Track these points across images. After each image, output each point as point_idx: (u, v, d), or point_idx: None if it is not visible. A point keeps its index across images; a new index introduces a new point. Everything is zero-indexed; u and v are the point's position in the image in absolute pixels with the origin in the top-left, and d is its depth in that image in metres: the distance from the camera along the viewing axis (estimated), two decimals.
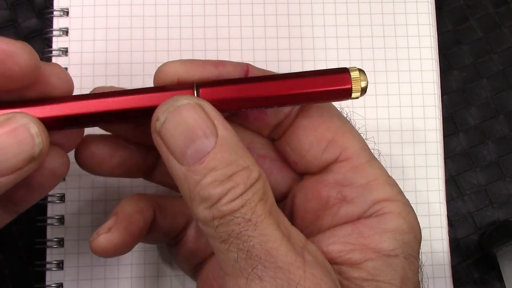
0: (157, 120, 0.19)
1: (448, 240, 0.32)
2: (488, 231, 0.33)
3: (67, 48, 0.32)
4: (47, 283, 0.30)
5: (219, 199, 0.18)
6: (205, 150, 0.18)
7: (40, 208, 0.30)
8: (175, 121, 0.18)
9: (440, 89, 0.33)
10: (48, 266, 0.30)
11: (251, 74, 0.22)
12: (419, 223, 0.21)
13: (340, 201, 0.21)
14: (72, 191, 0.30)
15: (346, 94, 0.20)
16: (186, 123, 0.18)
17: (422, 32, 0.34)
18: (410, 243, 0.20)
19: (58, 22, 0.32)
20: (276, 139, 0.23)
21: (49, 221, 0.30)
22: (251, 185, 0.18)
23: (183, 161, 0.18)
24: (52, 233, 0.30)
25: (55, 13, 0.32)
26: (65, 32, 0.32)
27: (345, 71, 0.20)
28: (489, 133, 0.34)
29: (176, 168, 0.18)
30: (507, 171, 0.34)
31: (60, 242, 0.30)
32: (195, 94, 0.20)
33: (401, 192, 0.22)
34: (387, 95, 0.33)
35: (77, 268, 0.30)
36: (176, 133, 0.18)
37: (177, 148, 0.18)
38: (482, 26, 0.35)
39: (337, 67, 0.21)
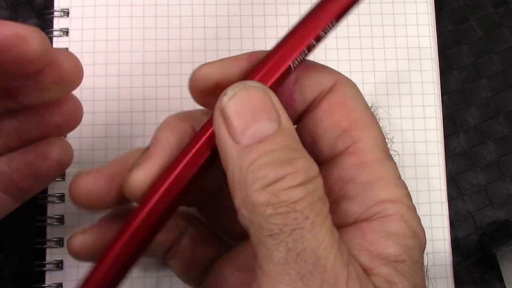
0: (225, 95, 0.18)
1: (450, 240, 0.32)
2: (488, 231, 0.33)
3: (67, 48, 0.32)
4: (46, 283, 0.30)
5: (276, 180, 0.16)
6: (267, 132, 0.17)
7: (40, 208, 0.30)
8: (243, 97, 0.18)
9: (440, 89, 0.33)
10: (47, 266, 0.30)
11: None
12: (423, 229, 0.20)
13: (341, 198, 0.20)
14: None
15: None
16: (254, 102, 0.18)
17: (421, 32, 0.34)
18: (415, 248, 0.19)
19: (58, 23, 0.32)
20: (297, 123, 0.22)
21: (49, 221, 0.30)
22: (312, 178, 0.17)
23: (241, 139, 0.17)
24: (52, 233, 0.30)
25: (55, 13, 0.32)
26: (66, 32, 0.32)
27: None
28: (489, 133, 0.34)
29: (231, 147, 0.17)
30: (507, 171, 0.33)
31: (60, 242, 0.30)
32: None
33: (408, 196, 0.20)
34: (387, 95, 0.33)
35: (76, 268, 0.30)
36: (241, 109, 0.17)
37: (237, 126, 0.17)
38: (482, 26, 0.35)
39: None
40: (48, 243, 0.30)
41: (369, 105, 0.21)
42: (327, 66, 0.21)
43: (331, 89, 0.21)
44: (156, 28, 0.32)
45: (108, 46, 0.32)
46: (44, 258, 0.30)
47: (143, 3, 0.32)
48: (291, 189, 0.16)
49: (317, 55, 0.33)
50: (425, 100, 0.33)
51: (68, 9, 0.32)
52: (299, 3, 0.33)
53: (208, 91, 0.20)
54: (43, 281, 0.30)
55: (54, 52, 0.20)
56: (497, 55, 0.35)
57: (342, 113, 0.20)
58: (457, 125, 0.34)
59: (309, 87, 0.21)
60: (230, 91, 0.18)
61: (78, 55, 0.31)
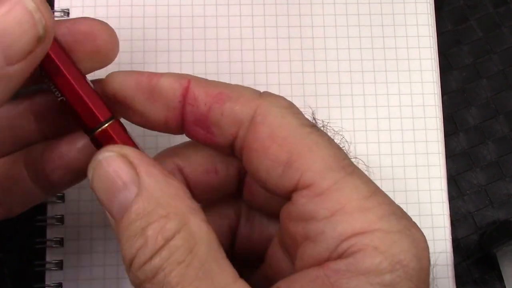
0: (88, 178, 0.18)
1: (451, 240, 0.32)
2: (488, 231, 0.32)
3: None
4: (46, 283, 0.30)
5: (131, 260, 0.16)
6: (127, 201, 0.17)
7: (40, 208, 0.30)
8: (98, 176, 0.18)
9: (440, 88, 0.33)
10: (47, 266, 0.30)
11: (190, 93, 0.19)
12: (423, 247, 0.17)
13: (304, 239, 0.17)
14: (72, 191, 0.30)
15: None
16: (107, 176, 0.17)
17: (421, 32, 0.34)
18: (395, 284, 0.15)
19: None
20: (231, 154, 0.20)
21: (49, 221, 0.30)
22: (166, 241, 0.16)
23: (112, 215, 0.17)
24: (51, 233, 0.30)
25: (55, 13, 0.32)
26: None
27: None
28: (489, 133, 0.34)
29: (111, 222, 0.18)
30: (507, 171, 0.33)
31: (60, 242, 0.30)
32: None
33: (386, 215, 0.16)
34: (387, 94, 0.33)
35: (76, 268, 0.30)
36: (101, 188, 0.18)
37: (105, 204, 0.18)
38: (482, 26, 0.35)
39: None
40: (48, 243, 0.30)
41: (310, 117, 0.19)
42: (246, 91, 0.19)
43: (252, 122, 0.18)
44: (156, 28, 0.32)
45: None
46: (44, 258, 0.30)
47: (143, 4, 0.32)
48: (143, 266, 0.16)
49: (317, 55, 0.33)
50: (425, 100, 0.33)
51: (68, 10, 0.32)
52: (299, 4, 0.33)
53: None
54: (43, 281, 0.30)
55: (89, 22, 0.20)
56: (497, 55, 0.35)
57: (276, 148, 0.18)
58: (457, 125, 0.34)
59: (225, 121, 0.19)
60: (89, 173, 0.18)
61: None
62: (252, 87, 0.32)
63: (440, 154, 0.32)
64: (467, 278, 0.32)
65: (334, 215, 0.16)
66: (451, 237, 0.32)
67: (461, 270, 0.32)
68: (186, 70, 0.32)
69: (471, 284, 0.32)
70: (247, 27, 0.33)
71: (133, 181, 0.17)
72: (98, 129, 0.19)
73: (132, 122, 0.21)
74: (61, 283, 0.30)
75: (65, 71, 0.19)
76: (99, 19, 0.31)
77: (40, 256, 0.30)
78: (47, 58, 0.18)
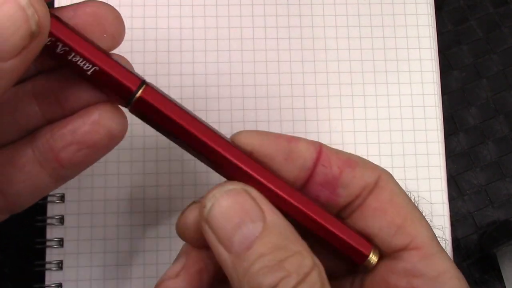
0: (204, 207, 0.18)
1: (451, 240, 0.32)
2: (488, 231, 0.33)
3: None
4: (46, 283, 0.30)
5: None
6: (253, 235, 0.17)
7: (40, 208, 0.30)
8: (221, 207, 0.18)
9: (440, 89, 0.33)
10: (47, 266, 0.30)
11: (324, 155, 0.21)
12: None
13: None
14: (72, 191, 0.30)
15: (358, 257, 0.20)
16: (232, 208, 0.18)
17: (421, 33, 0.34)
18: None
19: None
20: (344, 218, 0.22)
21: (48, 221, 0.30)
22: (305, 276, 0.17)
23: (231, 248, 0.18)
24: (51, 233, 0.30)
25: None
26: None
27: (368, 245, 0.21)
28: (489, 133, 0.34)
29: (224, 256, 0.18)
30: (507, 171, 0.34)
31: (60, 242, 0.30)
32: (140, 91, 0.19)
33: (466, 285, 0.21)
34: (387, 95, 0.33)
35: (76, 268, 0.30)
36: (222, 219, 0.18)
37: (224, 235, 0.18)
38: (482, 26, 0.35)
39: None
40: (48, 243, 0.30)
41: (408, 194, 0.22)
42: (368, 161, 0.22)
43: (376, 186, 0.21)
44: (156, 28, 0.32)
45: None
46: (44, 258, 0.30)
47: (144, 4, 0.32)
48: None
49: (317, 56, 0.33)
50: (426, 100, 0.33)
51: None
52: (299, 4, 0.33)
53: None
54: (43, 281, 0.30)
55: (95, 4, 0.20)
56: (497, 55, 0.35)
57: (393, 211, 0.21)
58: (457, 125, 0.34)
59: (353, 183, 0.21)
60: (208, 202, 0.18)
61: None
62: (252, 87, 0.32)
63: (440, 155, 0.32)
64: (467, 278, 0.32)
65: (440, 276, 0.20)
66: (451, 238, 0.32)
67: (461, 270, 0.32)
68: (186, 70, 0.32)
69: (471, 284, 0.33)
70: (248, 27, 0.33)
71: (259, 216, 0.18)
72: (137, 91, 0.19)
73: None
74: (61, 283, 0.30)
75: (90, 43, 0.19)
76: None
77: (40, 256, 0.30)
78: (70, 34, 0.19)
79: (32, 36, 0.16)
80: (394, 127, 0.33)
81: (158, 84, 0.32)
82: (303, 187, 0.21)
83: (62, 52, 0.19)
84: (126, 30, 0.33)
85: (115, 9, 0.20)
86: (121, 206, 0.31)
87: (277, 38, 0.33)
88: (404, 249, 0.21)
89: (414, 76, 0.33)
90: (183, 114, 0.19)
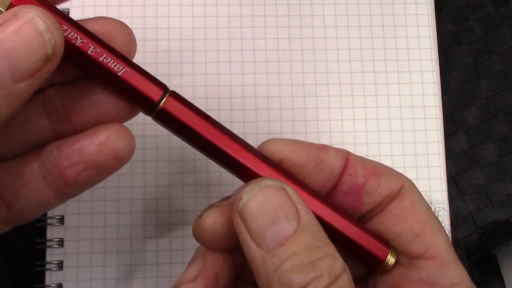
0: (240, 199, 0.18)
1: (451, 241, 0.32)
2: (488, 231, 0.33)
3: None
4: (46, 283, 0.30)
5: (303, 287, 0.16)
6: (287, 233, 0.17)
7: None
8: (258, 201, 0.18)
9: (440, 89, 0.33)
10: (47, 266, 0.30)
11: (351, 163, 0.21)
12: None
13: None
14: None
15: (373, 262, 0.21)
16: (269, 204, 0.18)
17: (421, 33, 0.34)
18: None
19: None
20: (364, 222, 0.22)
21: (49, 221, 0.30)
22: (336, 278, 0.17)
23: (263, 243, 0.17)
24: (52, 233, 0.30)
25: None
26: None
27: (387, 245, 0.21)
28: (489, 133, 0.34)
29: (255, 251, 0.18)
30: (507, 171, 0.34)
31: (60, 242, 0.30)
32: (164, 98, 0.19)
33: None
34: (388, 95, 0.33)
35: (76, 269, 0.30)
36: (258, 213, 0.18)
37: (257, 229, 0.18)
38: (482, 26, 0.35)
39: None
40: (48, 243, 0.30)
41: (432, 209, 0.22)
42: (392, 169, 0.22)
43: (399, 193, 0.21)
44: (156, 28, 0.32)
45: None
46: (44, 258, 0.30)
47: (144, 4, 0.32)
48: None
49: (317, 56, 0.33)
50: (426, 100, 0.33)
51: (68, 9, 0.32)
52: (299, 4, 0.33)
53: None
54: (43, 281, 0.30)
55: (105, 22, 0.20)
56: (497, 55, 0.35)
57: (413, 218, 0.21)
58: (457, 125, 0.34)
59: (377, 191, 0.21)
60: (245, 195, 0.18)
61: None
62: (253, 87, 0.32)
63: (440, 155, 0.32)
64: None
65: (453, 286, 0.20)
66: (451, 238, 0.32)
67: None
68: (187, 70, 0.32)
69: None
70: (248, 27, 0.33)
71: (294, 215, 0.18)
72: (163, 98, 0.19)
73: None
74: (61, 283, 0.30)
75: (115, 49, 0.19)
76: None
77: (40, 256, 0.30)
78: (99, 39, 0.19)
79: (47, 60, 0.17)
80: (394, 127, 0.33)
81: None
82: (328, 194, 0.21)
83: (93, 53, 0.19)
84: None
85: (127, 26, 0.20)
86: (121, 206, 0.31)
87: (277, 38, 0.33)
88: (420, 256, 0.21)
89: (414, 76, 0.33)
90: (207, 126, 0.19)
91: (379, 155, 0.32)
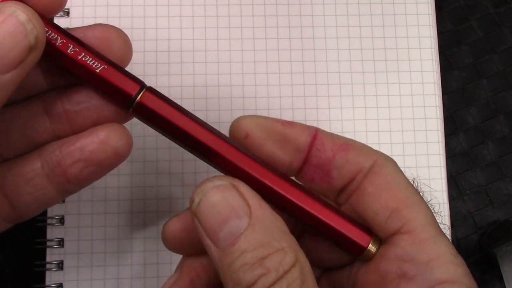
0: (193, 201, 0.19)
1: (450, 241, 0.32)
2: (488, 231, 0.33)
3: None
4: (47, 283, 0.30)
5: (249, 285, 0.17)
6: (238, 231, 0.18)
7: None
8: (208, 202, 0.18)
9: (440, 89, 0.33)
10: (48, 266, 0.30)
11: (319, 140, 0.21)
12: None
13: (399, 277, 0.20)
14: None
15: (355, 249, 0.20)
16: (219, 204, 0.18)
17: (422, 33, 0.34)
18: None
19: (58, 22, 0.32)
20: (341, 204, 0.22)
21: (49, 221, 0.30)
22: (285, 273, 0.17)
23: (217, 243, 0.18)
24: (52, 233, 0.30)
25: None
26: None
27: (368, 232, 0.21)
28: (489, 133, 0.34)
29: (212, 251, 0.18)
30: (507, 171, 0.34)
31: (60, 243, 0.30)
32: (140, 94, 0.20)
33: (467, 274, 0.20)
34: (388, 95, 0.33)
35: (77, 269, 0.30)
36: (209, 214, 0.18)
37: (211, 230, 0.18)
38: (482, 26, 0.35)
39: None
40: (49, 243, 0.30)
41: (411, 180, 0.22)
42: (366, 146, 0.22)
43: (371, 170, 0.21)
44: (156, 28, 0.32)
45: None
46: (44, 258, 0.30)
47: (144, 4, 0.32)
48: None
49: (317, 56, 0.33)
50: (426, 101, 0.33)
51: (68, 9, 0.32)
52: (300, 4, 0.33)
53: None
54: (43, 281, 0.30)
55: (104, 29, 0.21)
56: (497, 55, 0.35)
57: (388, 195, 0.21)
58: (457, 125, 0.34)
59: (347, 166, 0.21)
60: (196, 197, 0.19)
61: None
62: (253, 87, 0.32)
63: (441, 155, 0.32)
64: None
65: (432, 261, 0.19)
66: (451, 238, 0.32)
67: None
68: (187, 70, 0.32)
69: None
70: (248, 27, 0.33)
71: (245, 212, 0.18)
72: (140, 93, 0.20)
73: None
74: (62, 283, 0.30)
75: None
76: (100, 19, 0.32)
77: (40, 256, 0.30)
78: (76, 38, 0.20)
79: (30, 49, 0.18)
80: (394, 128, 0.33)
81: (158, 84, 0.32)
82: (300, 169, 0.22)
83: (72, 52, 0.20)
84: (127, 30, 0.33)
85: (123, 32, 0.21)
86: (122, 206, 0.31)
87: (278, 38, 0.33)
88: (396, 232, 0.20)
89: (414, 76, 0.33)
90: (182, 117, 0.20)
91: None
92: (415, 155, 0.32)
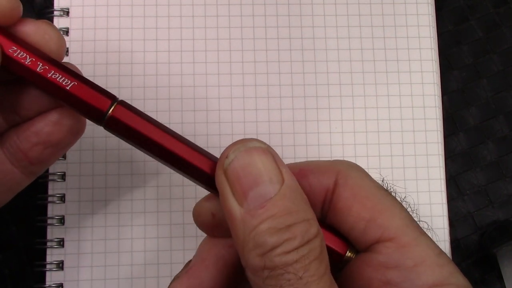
0: (226, 157, 0.18)
1: (449, 241, 0.32)
2: (488, 231, 0.33)
3: (67, 48, 0.32)
4: (47, 283, 0.30)
5: (273, 248, 0.17)
6: (268, 195, 0.18)
7: (40, 208, 0.30)
8: (243, 161, 0.18)
9: (440, 90, 0.33)
10: (48, 266, 0.30)
11: None
12: None
13: (384, 285, 0.20)
14: (73, 192, 0.30)
15: (334, 257, 0.20)
16: (254, 165, 0.18)
17: (422, 33, 0.34)
18: None
19: (58, 22, 0.32)
20: (322, 220, 0.22)
21: (49, 221, 0.30)
22: (309, 241, 0.18)
23: (243, 203, 0.18)
24: (52, 233, 0.30)
25: (55, 12, 0.32)
26: (66, 32, 0.32)
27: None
28: (489, 133, 0.34)
29: (235, 209, 0.18)
30: (507, 171, 0.34)
31: (60, 243, 0.30)
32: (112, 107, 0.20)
33: (453, 272, 0.20)
34: (388, 95, 0.33)
35: (77, 269, 0.30)
36: (242, 173, 0.18)
37: (240, 189, 0.18)
38: (482, 26, 0.35)
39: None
40: (49, 244, 0.30)
41: (380, 182, 0.21)
42: (322, 162, 0.22)
43: (336, 185, 0.21)
44: (156, 28, 0.32)
45: (109, 46, 0.32)
46: (44, 258, 0.30)
47: (144, 3, 0.32)
48: (285, 254, 0.17)
49: (317, 56, 0.33)
50: (426, 101, 0.33)
51: (68, 9, 0.32)
52: (300, 4, 0.33)
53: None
54: (44, 281, 0.30)
55: (34, 24, 0.21)
56: (497, 55, 0.35)
57: (359, 206, 0.20)
58: (457, 125, 0.34)
59: (314, 192, 0.21)
60: (231, 154, 0.18)
61: (78, 55, 0.32)
62: (253, 87, 0.32)
63: (440, 156, 0.33)
64: (467, 278, 0.32)
65: (417, 266, 0.19)
66: (449, 239, 0.32)
67: (461, 270, 0.32)
68: (187, 70, 0.32)
69: (471, 284, 0.33)
70: (248, 27, 0.33)
71: (278, 179, 0.18)
72: (111, 107, 0.20)
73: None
74: (62, 283, 0.30)
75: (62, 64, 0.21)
76: (100, 18, 0.32)
77: (40, 256, 0.30)
78: (46, 56, 0.21)
79: None
80: (394, 128, 0.33)
81: (158, 84, 0.32)
82: None
83: (42, 70, 0.20)
84: (127, 30, 0.33)
85: (54, 25, 0.22)
86: (122, 206, 0.31)
87: (278, 38, 0.33)
88: (377, 241, 0.20)
89: (414, 76, 0.33)
90: (154, 129, 0.20)
91: (379, 156, 0.32)
92: (415, 155, 0.32)
